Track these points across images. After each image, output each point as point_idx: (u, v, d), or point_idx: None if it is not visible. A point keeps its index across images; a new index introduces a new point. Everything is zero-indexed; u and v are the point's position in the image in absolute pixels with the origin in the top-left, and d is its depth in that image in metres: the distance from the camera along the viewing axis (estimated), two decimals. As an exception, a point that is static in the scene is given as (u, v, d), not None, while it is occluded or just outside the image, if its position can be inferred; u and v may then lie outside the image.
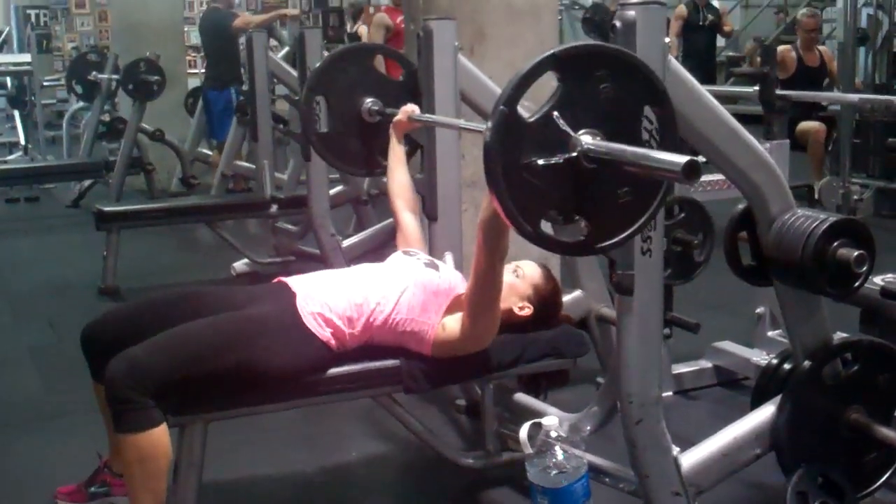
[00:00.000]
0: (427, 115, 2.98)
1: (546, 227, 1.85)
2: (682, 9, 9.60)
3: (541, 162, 1.77)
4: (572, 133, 1.78)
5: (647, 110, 1.86)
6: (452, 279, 2.67)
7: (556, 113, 1.78)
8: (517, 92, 1.76)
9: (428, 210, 3.11)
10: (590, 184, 1.81)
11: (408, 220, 2.97)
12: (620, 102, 1.84)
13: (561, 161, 1.78)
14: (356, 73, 3.27)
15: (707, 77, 8.61)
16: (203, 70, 10.50)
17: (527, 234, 1.80)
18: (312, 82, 3.28)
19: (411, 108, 2.98)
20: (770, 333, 3.67)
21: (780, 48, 7.51)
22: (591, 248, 1.92)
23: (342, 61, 3.32)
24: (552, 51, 1.81)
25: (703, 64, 9.11)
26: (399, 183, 3.02)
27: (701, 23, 9.39)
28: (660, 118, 1.87)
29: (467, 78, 3.09)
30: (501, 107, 1.74)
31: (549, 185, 1.79)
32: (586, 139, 1.78)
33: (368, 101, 3.22)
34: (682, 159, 1.60)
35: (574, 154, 1.78)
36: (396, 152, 3.04)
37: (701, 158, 1.94)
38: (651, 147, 1.85)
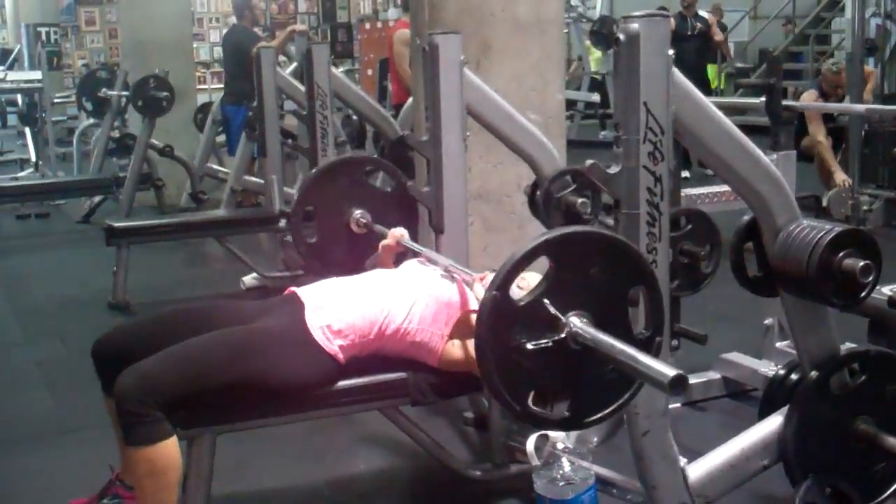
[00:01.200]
0: (415, 244, 3.05)
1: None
2: (669, 20, 9.64)
3: (530, 346, 1.82)
4: (562, 317, 1.83)
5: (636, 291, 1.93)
6: (465, 292, 2.68)
7: (545, 300, 1.83)
8: (509, 277, 1.82)
9: (434, 223, 3.12)
10: (577, 362, 1.86)
11: None
12: (610, 284, 1.90)
13: (549, 343, 1.83)
14: (347, 184, 3.39)
15: (699, 86, 8.61)
16: (215, 86, 10.59)
17: (514, 412, 1.86)
18: (302, 195, 3.42)
19: (400, 233, 3.05)
20: (778, 344, 3.66)
21: (805, 94, 7.48)
22: (576, 424, 1.98)
23: (333, 173, 3.45)
24: (545, 237, 1.88)
25: (695, 73, 9.11)
26: None
27: (689, 32, 9.42)
28: (648, 300, 1.92)
29: (473, 91, 3.10)
30: (494, 292, 1.80)
31: (538, 366, 1.84)
32: (575, 321, 1.83)
33: (357, 213, 3.35)
34: (669, 372, 1.63)
35: (563, 336, 1.83)
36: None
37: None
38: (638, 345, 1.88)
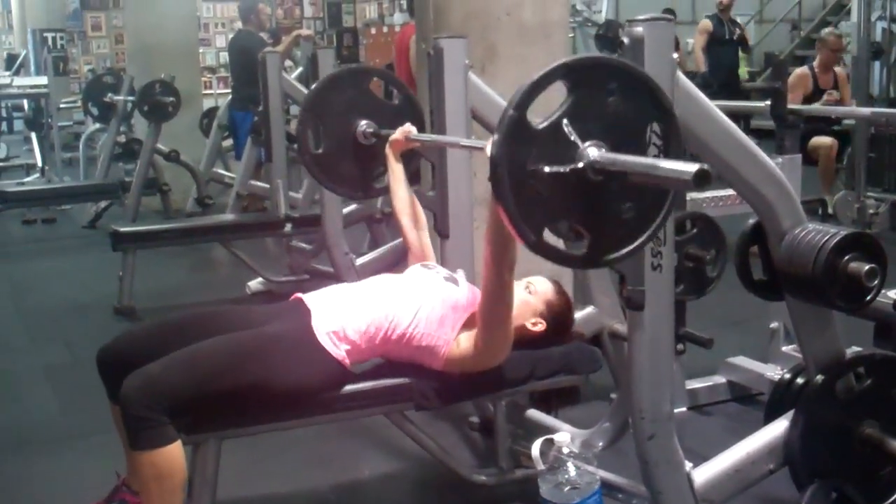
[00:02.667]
0: (424, 135, 2.98)
1: (549, 237, 1.85)
2: (707, 23, 9.54)
3: (547, 169, 1.77)
4: (580, 143, 1.78)
5: (654, 126, 1.87)
6: (471, 295, 2.68)
7: (564, 121, 1.78)
8: (527, 98, 1.77)
9: (439, 227, 3.12)
10: (594, 196, 1.82)
11: (414, 238, 3.00)
12: (627, 116, 1.85)
13: (567, 171, 1.78)
14: (352, 95, 3.29)
15: (735, 91, 8.56)
16: (221, 91, 10.59)
17: (529, 242, 1.80)
18: (308, 103, 3.31)
19: (409, 128, 3.00)
20: (784, 348, 3.66)
21: (797, 72, 7.52)
22: (592, 262, 1.92)
23: (338, 83, 3.35)
24: (563, 60, 1.82)
25: (732, 77, 9.08)
26: (401, 200, 3.04)
27: (728, 37, 9.34)
28: (665, 135, 1.87)
29: (478, 96, 3.10)
30: (511, 111, 1.75)
31: (554, 195, 1.79)
32: (592, 151, 1.79)
33: (363, 123, 3.25)
34: (692, 167, 1.59)
35: (580, 165, 1.78)
36: (395, 171, 3.05)
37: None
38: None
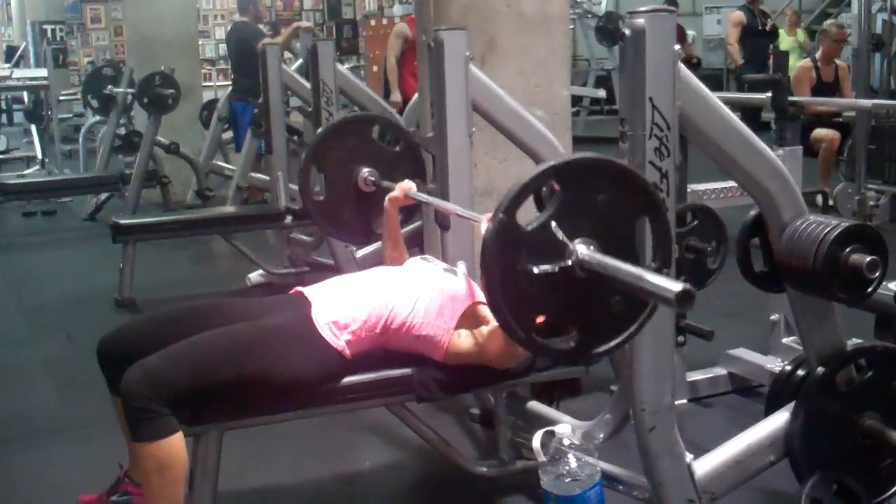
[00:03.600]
0: (422, 195, 3.01)
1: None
2: (739, 15, 9.44)
3: (536, 270, 1.80)
4: (569, 243, 1.82)
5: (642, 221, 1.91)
6: (468, 286, 2.68)
7: (553, 223, 1.82)
8: (516, 201, 1.81)
9: (440, 220, 3.12)
10: (583, 291, 1.85)
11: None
12: (617, 213, 1.89)
13: (556, 270, 1.82)
14: (354, 143, 3.34)
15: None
16: (220, 83, 10.58)
17: (519, 339, 1.85)
18: (310, 151, 3.37)
19: (408, 185, 3.00)
20: (785, 340, 3.66)
21: (799, 64, 7.51)
22: (581, 356, 1.97)
23: (341, 131, 3.40)
24: (552, 163, 1.86)
25: (766, 69, 9.02)
26: (389, 259, 3.01)
27: (761, 27, 9.27)
28: (656, 232, 1.91)
29: (479, 88, 3.10)
30: (501, 215, 1.79)
31: (544, 293, 1.83)
32: (581, 249, 1.82)
33: (365, 171, 3.29)
34: (675, 287, 1.62)
35: (569, 263, 1.82)
36: (390, 227, 3.02)
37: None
38: (646, 265, 1.88)
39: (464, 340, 2.55)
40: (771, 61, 4.43)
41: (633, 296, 1.85)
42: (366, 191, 3.30)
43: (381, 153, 3.38)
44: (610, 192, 1.87)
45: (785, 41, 9.33)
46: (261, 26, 8.52)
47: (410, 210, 3.25)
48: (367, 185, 3.29)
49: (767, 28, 9.33)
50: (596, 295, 1.85)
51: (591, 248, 1.82)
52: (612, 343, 1.92)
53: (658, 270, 1.86)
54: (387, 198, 3.03)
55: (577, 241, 1.82)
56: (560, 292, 1.84)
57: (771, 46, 9.21)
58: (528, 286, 1.81)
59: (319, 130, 3.59)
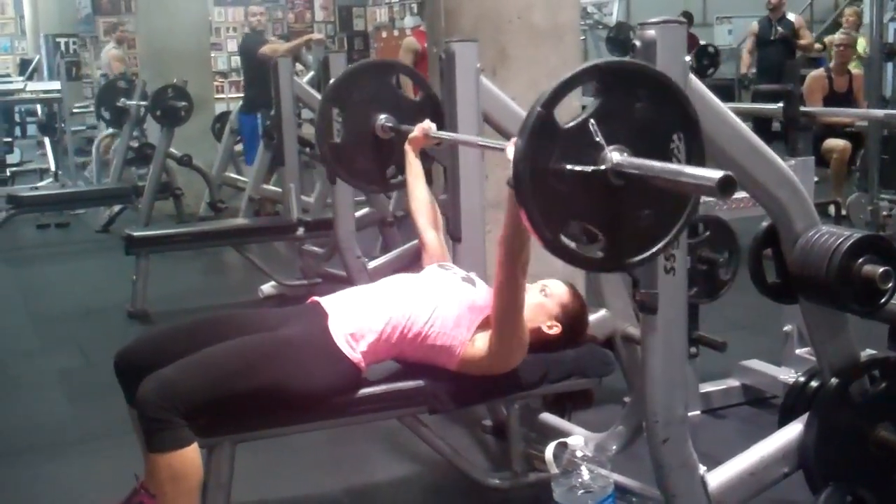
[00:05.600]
0: (444, 133, 2.98)
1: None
2: (754, 25, 9.54)
3: (569, 168, 1.77)
4: (605, 146, 1.79)
5: (678, 135, 1.87)
6: (488, 296, 2.68)
7: (591, 122, 1.79)
8: (556, 96, 1.77)
9: (452, 231, 3.12)
10: (614, 200, 1.82)
11: (432, 238, 2.98)
12: (653, 123, 1.85)
13: (589, 171, 1.79)
14: (373, 88, 3.28)
15: None
16: (233, 95, 10.61)
17: (547, 241, 1.80)
18: (329, 94, 3.31)
19: (428, 125, 2.99)
20: (798, 351, 3.65)
21: (812, 74, 7.50)
22: (608, 265, 1.93)
23: (360, 76, 3.34)
24: (596, 62, 1.85)
25: (778, 79, 8.97)
26: (419, 200, 3.02)
27: (772, 37, 9.28)
28: (689, 145, 1.88)
29: (490, 99, 3.11)
30: (539, 108, 1.75)
31: (575, 195, 1.79)
32: (616, 155, 1.79)
33: (382, 117, 3.24)
34: (716, 174, 1.59)
35: (604, 167, 1.79)
36: (414, 168, 3.03)
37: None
38: None
39: (478, 351, 2.54)
40: (784, 72, 4.43)
41: (664, 209, 1.83)
42: (383, 137, 3.25)
43: (399, 101, 3.33)
44: (648, 102, 1.84)
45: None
46: (264, 37, 8.55)
47: (428, 156, 3.19)
48: (384, 131, 3.24)
49: (776, 37, 9.30)
50: (627, 205, 1.83)
51: (625, 154, 1.80)
52: (640, 256, 1.89)
53: None
54: (408, 138, 3.02)
55: (611, 147, 1.80)
56: (592, 198, 1.80)
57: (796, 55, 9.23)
58: (560, 186, 1.77)
59: (341, 72, 3.53)
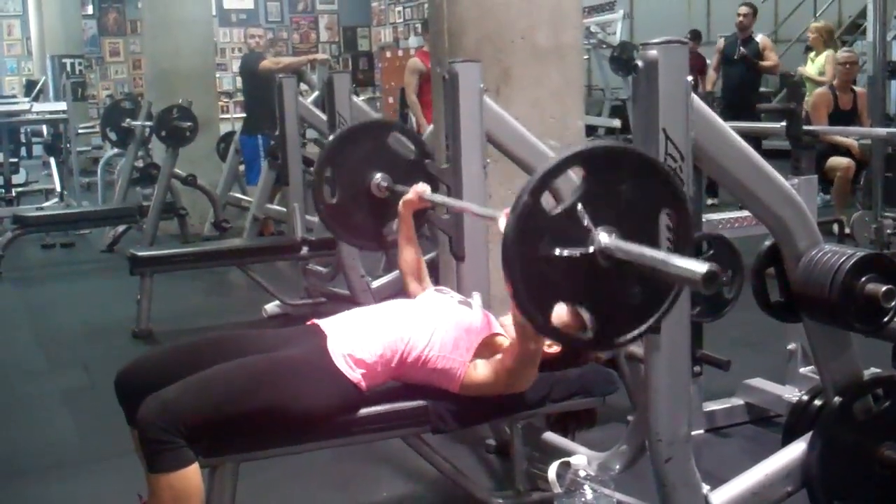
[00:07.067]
0: (438, 196, 3.00)
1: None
2: (720, 42, 9.54)
3: (558, 253, 1.80)
4: (592, 229, 1.82)
5: (666, 213, 1.91)
6: (484, 318, 2.69)
7: (579, 207, 1.81)
8: (542, 184, 1.80)
9: (455, 250, 3.13)
10: (603, 280, 1.84)
11: (415, 289, 3.02)
12: (640, 202, 1.88)
13: (578, 255, 1.81)
14: (369, 148, 3.33)
15: (744, 111, 8.44)
16: (237, 115, 10.63)
17: (538, 324, 1.84)
18: (324, 154, 3.36)
19: (423, 188, 3.02)
20: (802, 370, 3.64)
21: (817, 91, 7.51)
22: (599, 346, 1.96)
23: (356, 136, 3.40)
24: (578, 148, 1.86)
25: (740, 98, 8.97)
26: (408, 262, 3.06)
27: (735, 56, 9.30)
28: (677, 223, 1.91)
29: (493, 119, 3.12)
30: (526, 197, 1.78)
31: (564, 278, 1.82)
32: (604, 237, 1.81)
33: (378, 176, 3.28)
34: (701, 268, 1.61)
35: (591, 250, 1.81)
36: (405, 231, 3.07)
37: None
38: (669, 249, 1.88)
39: (479, 370, 2.55)
40: (787, 90, 4.44)
41: (653, 287, 1.85)
42: (379, 196, 3.28)
43: (394, 160, 3.36)
44: (633, 182, 1.86)
45: (813, 65, 9.29)
46: (262, 54, 8.56)
47: (421, 217, 3.23)
48: (380, 190, 3.28)
49: (736, 57, 9.31)
50: (616, 285, 1.84)
51: (613, 236, 1.81)
52: (630, 334, 1.90)
53: None
54: (401, 201, 3.05)
55: (599, 229, 1.81)
56: (581, 279, 1.82)
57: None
58: (549, 271, 1.79)
59: (334, 134, 3.57)
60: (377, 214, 3.31)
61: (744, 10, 9.43)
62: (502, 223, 1.99)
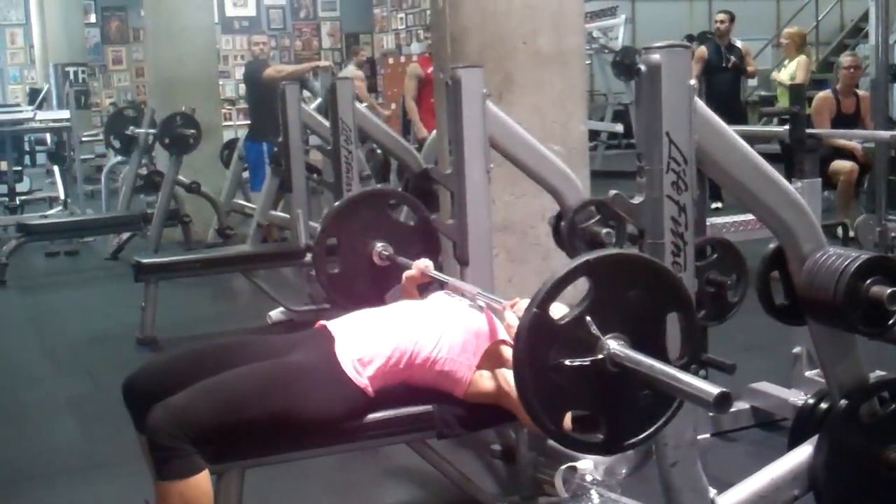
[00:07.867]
0: (440, 274, 3.03)
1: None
2: (702, 50, 9.42)
3: (567, 363, 1.81)
4: (601, 337, 1.82)
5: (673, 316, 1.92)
6: (492, 324, 2.68)
7: (587, 318, 1.82)
8: (550, 295, 1.81)
9: (459, 255, 3.13)
10: (612, 385, 1.85)
11: None
12: (647, 307, 1.89)
13: (587, 363, 1.82)
14: (369, 217, 3.38)
15: (735, 119, 8.45)
16: (241, 122, 10.64)
17: (550, 432, 1.86)
18: (326, 224, 3.42)
19: (425, 265, 3.03)
20: (808, 373, 3.64)
21: (819, 95, 7.52)
22: (610, 449, 1.99)
23: (357, 205, 3.45)
24: (585, 258, 1.88)
25: (729, 105, 8.97)
26: None
27: (724, 64, 9.26)
28: (683, 327, 1.92)
29: (496, 124, 3.12)
30: (535, 309, 1.79)
31: (574, 385, 1.83)
32: (612, 344, 1.82)
33: (379, 245, 3.32)
34: (713, 390, 1.63)
35: (601, 356, 1.82)
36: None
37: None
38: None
39: (486, 382, 2.56)
40: (790, 94, 4.43)
41: (662, 391, 1.86)
42: (380, 265, 3.33)
43: (395, 228, 3.43)
44: (640, 288, 1.89)
45: (785, 71, 9.28)
46: (266, 61, 8.59)
47: (426, 287, 3.26)
48: (381, 259, 3.33)
49: (729, 66, 9.27)
50: (625, 388, 1.86)
51: (621, 343, 1.83)
52: (640, 437, 1.92)
53: (686, 366, 1.88)
54: (404, 276, 3.08)
55: (607, 336, 1.83)
56: (590, 386, 1.84)
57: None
58: (559, 380, 1.81)
59: (335, 204, 3.64)
60: (378, 282, 3.36)
61: (721, 16, 9.46)
62: (509, 317, 2.02)
